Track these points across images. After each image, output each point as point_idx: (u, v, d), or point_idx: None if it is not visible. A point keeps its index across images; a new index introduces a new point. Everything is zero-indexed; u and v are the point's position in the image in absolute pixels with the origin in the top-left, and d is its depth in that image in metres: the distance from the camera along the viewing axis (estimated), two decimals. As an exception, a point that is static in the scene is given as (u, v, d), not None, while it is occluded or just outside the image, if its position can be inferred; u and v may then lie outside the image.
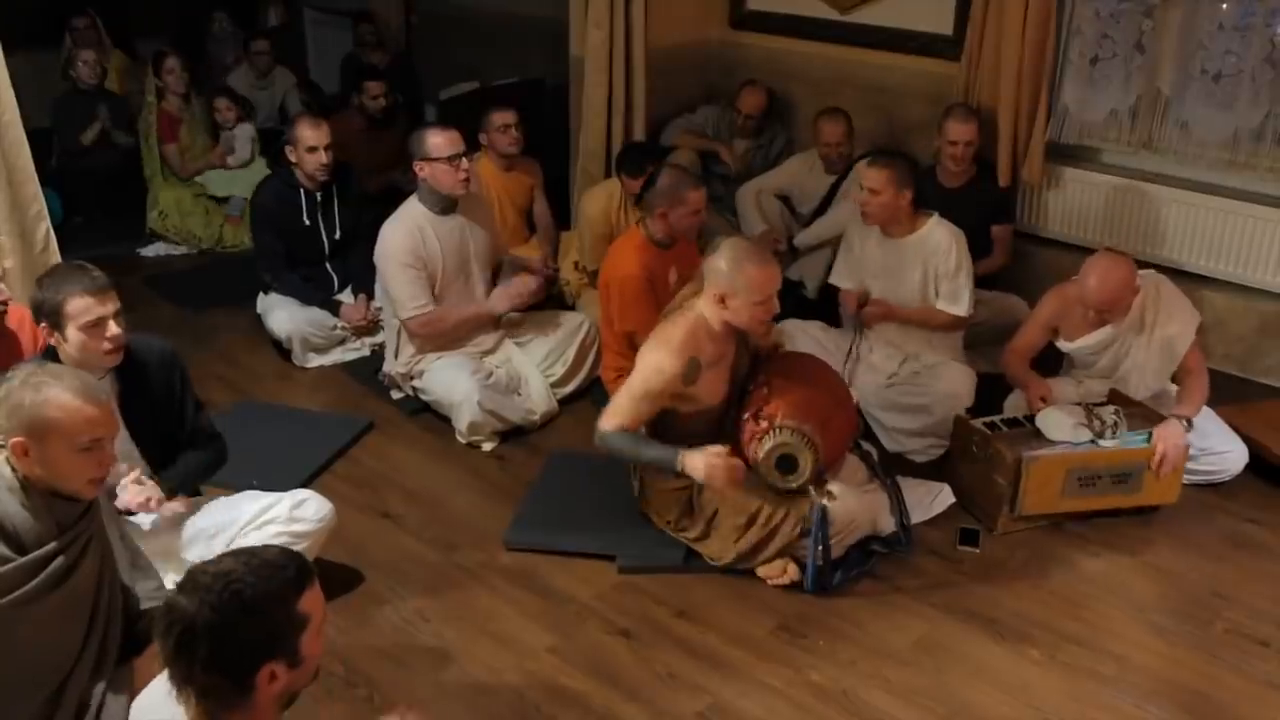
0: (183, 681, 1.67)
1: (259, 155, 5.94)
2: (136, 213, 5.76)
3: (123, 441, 2.70)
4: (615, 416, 3.10)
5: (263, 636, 1.66)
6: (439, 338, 4.00)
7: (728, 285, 3.03)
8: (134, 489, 2.63)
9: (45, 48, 6.24)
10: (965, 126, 4.39)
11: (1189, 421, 3.41)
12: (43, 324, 2.65)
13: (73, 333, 2.61)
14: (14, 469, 2.16)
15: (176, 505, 2.75)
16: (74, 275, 2.66)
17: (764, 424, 3.04)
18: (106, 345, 2.64)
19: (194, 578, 1.69)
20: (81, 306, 2.60)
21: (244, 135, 5.93)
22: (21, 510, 2.15)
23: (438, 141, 3.86)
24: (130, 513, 2.65)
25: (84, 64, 5.94)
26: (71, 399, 2.14)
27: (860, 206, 3.83)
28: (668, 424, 3.17)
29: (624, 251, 3.93)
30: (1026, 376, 3.63)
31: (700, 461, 2.98)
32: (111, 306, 2.65)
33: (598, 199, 4.57)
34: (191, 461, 2.90)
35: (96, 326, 2.62)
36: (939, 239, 3.83)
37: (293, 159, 4.47)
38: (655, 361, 3.05)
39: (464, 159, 3.90)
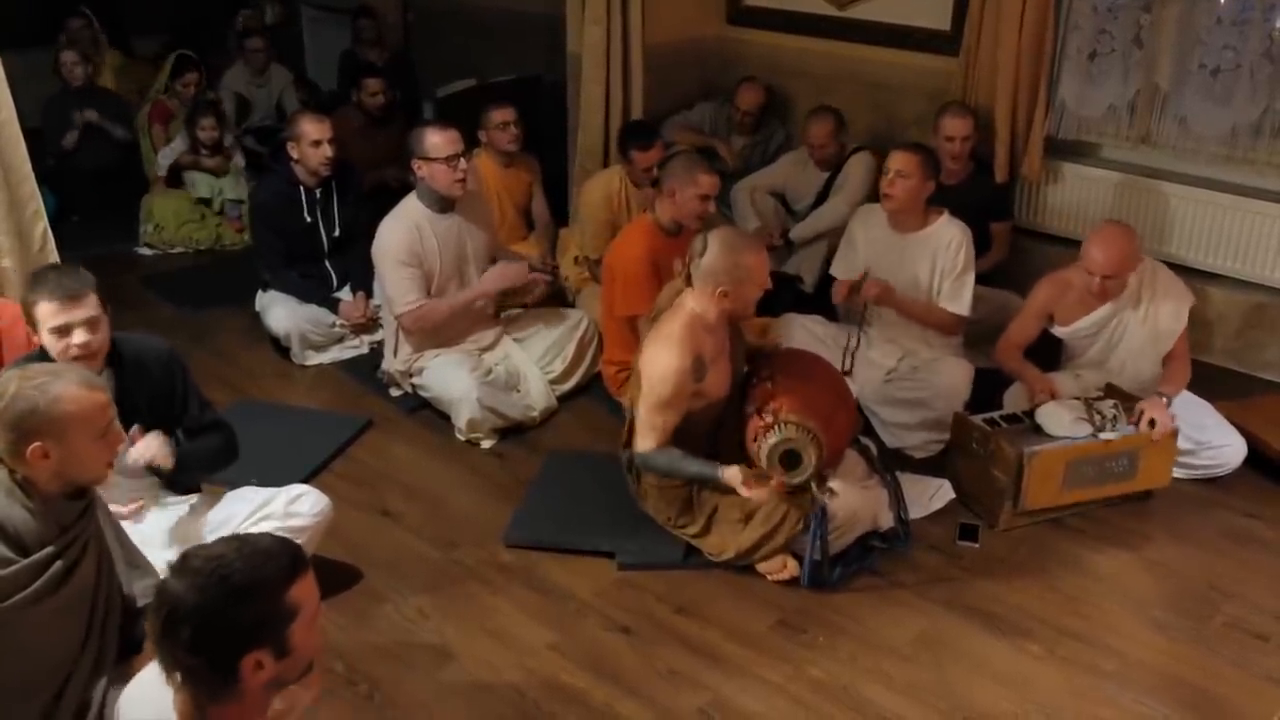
0: (169, 664, 1.68)
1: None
2: (134, 210, 5.72)
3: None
4: (649, 436, 3.10)
5: (248, 623, 1.65)
6: (434, 332, 4.00)
7: (730, 279, 3.05)
8: (140, 445, 2.65)
9: (41, 46, 6.23)
10: (960, 121, 4.40)
11: (1168, 400, 3.44)
12: (28, 325, 2.66)
13: (44, 335, 2.62)
14: (12, 471, 2.16)
15: (165, 452, 2.71)
16: (48, 279, 2.65)
17: (768, 419, 3.05)
18: (74, 351, 2.60)
19: (186, 561, 1.70)
20: (47, 312, 2.60)
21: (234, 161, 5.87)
22: (23, 512, 2.15)
23: (436, 141, 3.85)
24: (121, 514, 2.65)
25: (65, 64, 5.91)
26: (79, 390, 2.17)
27: (884, 189, 3.82)
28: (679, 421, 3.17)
29: (631, 235, 3.94)
30: (1023, 368, 3.64)
31: (738, 478, 3.03)
32: (80, 314, 2.61)
33: (598, 186, 4.57)
34: (205, 443, 2.88)
35: (62, 334, 2.60)
36: (950, 235, 3.84)
37: (295, 155, 4.46)
38: (665, 364, 3.05)
39: (462, 159, 3.89)
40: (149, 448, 2.68)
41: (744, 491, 3.02)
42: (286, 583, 1.69)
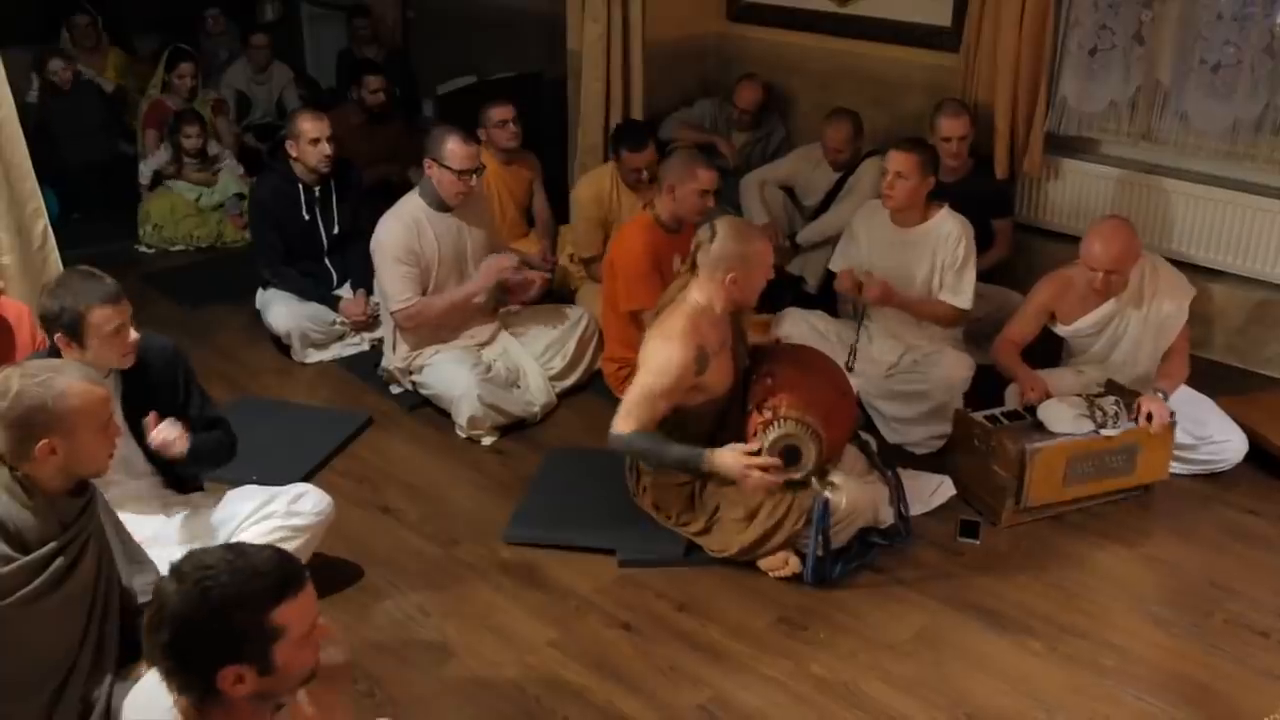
0: (150, 660, 1.68)
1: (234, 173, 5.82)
2: (135, 208, 5.71)
3: (125, 442, 2.70)
4: (631, 419, 3.06)
5: (223, 638, 1.62)
6: (430, 328, 4.00)
7: (740, 264, 3.06)
8: (160, 429, 2.67)
9: (42, 43, 6.24)
10: (957, 121, 4.39)
11: (1165, 396, 3.43)
12: (58, 334, 2.63)
13: (94, 342, 2.62)
14: (12, 469, 2.16)
15: (181, 440, 2.73)
16: (90, 284, 2.65)
17: (768, 414, 3.04)
18: (127, 349, 2.67)
19: (181, 563, 1.68)
20: (103, 317, 2.61)
21: (228, 170, 5.76)
22: (23, 510, 2.15)
23: (456, 151, 3.85)
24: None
25: (54, 71, 5.91)
26: (82, 384, 2.19)
27: (884, 190, 3.83)
28: (677, 417, 3.17)
29: (631, 232, 3.95)
30: (1018, 367, 3.63)
31: (732, 462, 2.99)
32: (127, 311, 2.68)
33: (590, 184, 4.58)
34: (211, 436, 2.89)
35: (118, 334, 2.64)
36: (950, 229, 3.84)
37: (293, 153, 4.46)
38: (665, 357, 3.04)
39: (474, 176, 3.90)
40: (167, 432, 2.69)
41: (742, 479, 2.97)
42: (271, 604, 1.64)
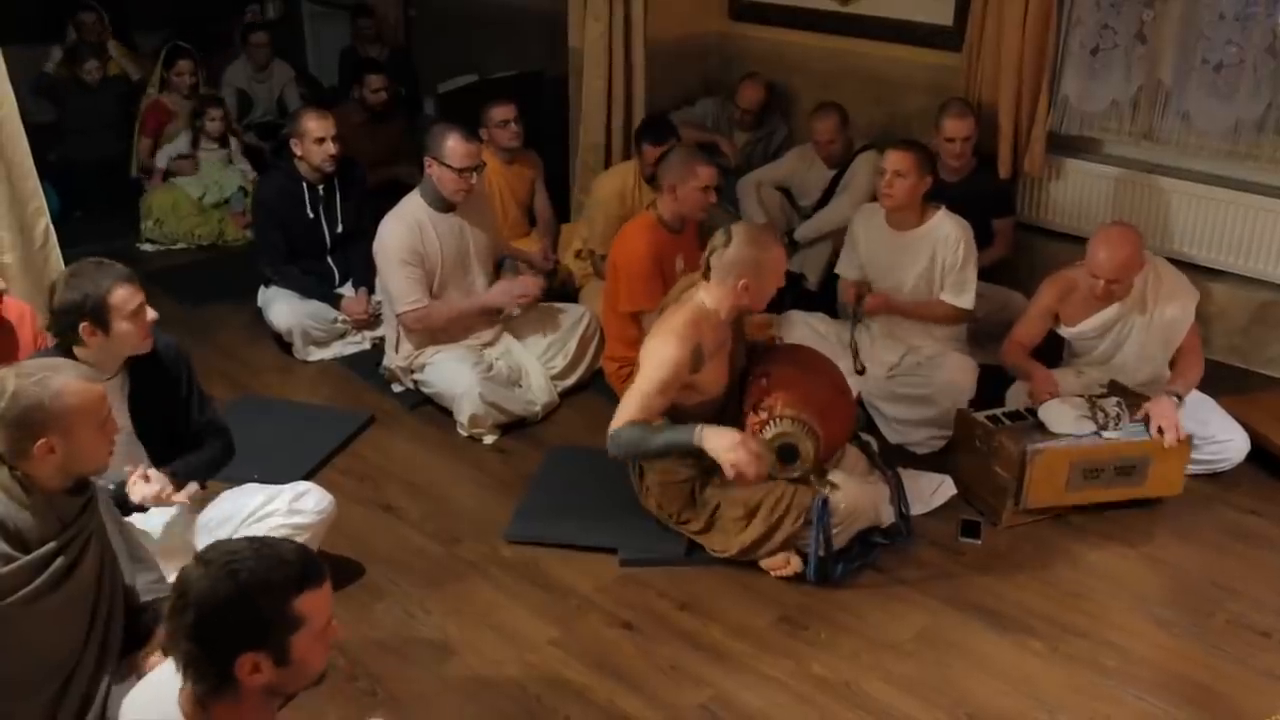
0: (172, 645, 1.70)
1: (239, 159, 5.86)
2: (137, 206, 5.71)
3: (128, 440, 2.70)
4: (626, 415, 3.05)
5: (247, 622, 1.66)
6: (434, 331, 4.00)
7: (754, 270, 3.05)
8: (142, 485, 2.62)
9: (41, 42, 6.26)
10: (962, 122, 4.39)
11: (1179, 398, 3.40)
12: (83, 324, 2.62)
13: (119, 324, 2.64)
14: (12, 469, 2.16)
15: (186, 493, 2.71)
16: (105, 269, 2.67)
17: (764, 414, 3.05)
18: (146, 330, 2.70)
19: (207, 550, 1.73)
20: (125, 295, 2.64)
21: (236, 168, 5.79)
22: (23, 510, 2.15)
23: (456, 149, 3.85)
24: (139, 508, 2.63)
25: (88, 71, 5.99)
26: (80, 382, 2.19)
27: (882, 189, 3.83)
28: (674, 417, 3.16)
29: (633, 232, 3.94)
30: (1029, 365, 3.62)
31: (725, 441, 2.90)
32: (143, 292, 2.71)
33: (612, 181, 4.57)
34: (198, 457, 2.87)
35: (138, 314, 2.67)
36: (948, 230, 3.84)
37: (298, 151, 4.46)
38: (662, 353, 3.04)
39: (474, 174, 3.90)
40: (148, 491, 2.60)
41: (728, 463, 2.88)
42: (293, 592, 1.68)
